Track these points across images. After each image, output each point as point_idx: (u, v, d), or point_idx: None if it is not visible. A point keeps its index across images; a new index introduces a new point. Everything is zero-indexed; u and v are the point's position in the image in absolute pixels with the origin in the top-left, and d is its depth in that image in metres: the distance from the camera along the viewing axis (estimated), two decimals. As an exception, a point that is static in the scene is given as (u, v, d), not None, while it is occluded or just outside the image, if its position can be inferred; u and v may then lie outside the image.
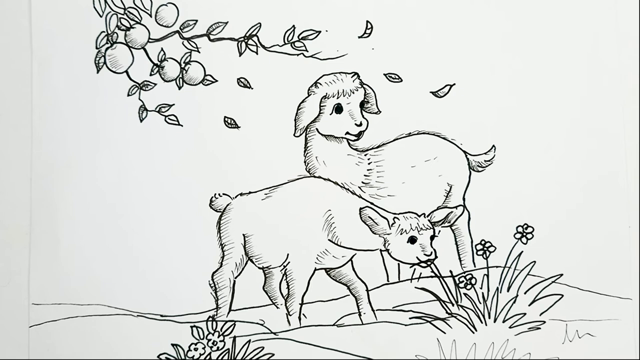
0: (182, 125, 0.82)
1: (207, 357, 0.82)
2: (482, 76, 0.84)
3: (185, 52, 0.82)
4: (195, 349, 0.81)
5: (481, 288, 0.84)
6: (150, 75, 0.82)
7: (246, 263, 0.82)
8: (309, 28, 0.83)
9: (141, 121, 0.82)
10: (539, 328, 0.83)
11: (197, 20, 0.82)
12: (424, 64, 0.83)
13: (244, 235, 0.82)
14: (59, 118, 0.82)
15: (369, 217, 0.80)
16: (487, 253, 0.84)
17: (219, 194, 0.82)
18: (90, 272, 0.81)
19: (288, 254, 0.82)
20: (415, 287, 0.83)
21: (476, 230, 0.84)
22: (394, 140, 0.83)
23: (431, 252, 0.80)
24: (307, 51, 0.83)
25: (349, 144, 0.83)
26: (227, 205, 0.82)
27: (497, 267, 0.84)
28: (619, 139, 0.84)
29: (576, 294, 0.83)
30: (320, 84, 0.82)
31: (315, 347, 0.82)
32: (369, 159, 0.83)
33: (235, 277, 0.82)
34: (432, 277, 0.83)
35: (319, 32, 0.83)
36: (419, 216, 0.81)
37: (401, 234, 0.80)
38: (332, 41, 0.83)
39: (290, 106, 0.82)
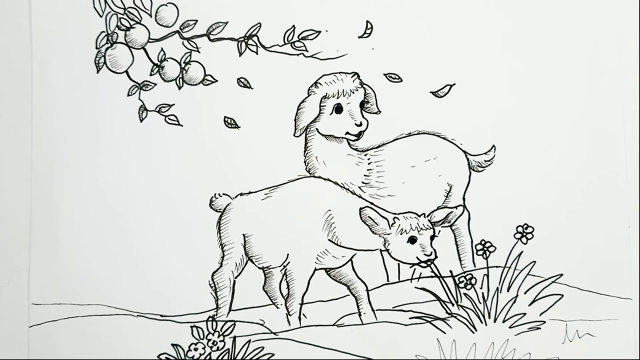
0: (182, 125, 0.82)
1: (207, 357, 0.82)
2: (482, 76, 0.84)
3: (185, 52, 0.82)
4: (195, 349, 0.81)
5: (481, 288, 0.84)
6: (150, 75, 0.82)
7: (246, 263, 0.82)
8: (309, 28, 0.83)
9: (141, 121, 0.82)
10: (539, 328, 0.83)
11: (197, 20, 0.82)
12: (424, 64, 0.83)
13: (244, 235, 0.82)
14: (59, 118, 0.82)
15: (369, 217, 0.80)
16: (487, 253, 0.84)
17: (219, 194, 0.82)
18: (90, 272, 0.81)
19: (288, 254, 0.82)
20: (415, 287, 0.83)
21: (476, 230, 0.84)
22: (394, 140, 0.83)
23: (431, 252, 0.80)
24: (307, 51, 0.83)
25: (349, 144, 0.83)
26: (227, 205, 0.82)
27: (497, 267, 0.84)
28: (619, 139, 0.84)
29: (576, 294, 0.83)
30: (320, 84, 0.82)
31: (315, 347, 0.82)
32: (369, 159, 0.83)
33: (235, 277, 0.82)
34: (432, 277, 0.83)
35: (319, 32, 0.83)
36: (419, 216, 0.81)
37: (401, 234, 0.80)
38: (332, 41, 0.83)
39: (290, 106, 0.82)
